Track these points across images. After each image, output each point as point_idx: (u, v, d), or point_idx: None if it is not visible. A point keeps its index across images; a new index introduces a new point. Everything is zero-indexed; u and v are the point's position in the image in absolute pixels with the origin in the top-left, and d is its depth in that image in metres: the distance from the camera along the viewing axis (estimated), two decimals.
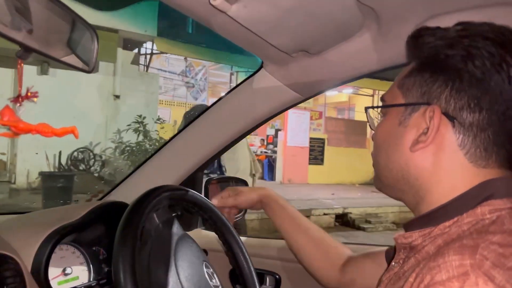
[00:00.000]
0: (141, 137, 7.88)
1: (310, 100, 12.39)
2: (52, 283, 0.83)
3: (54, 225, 0.85)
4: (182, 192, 0.84)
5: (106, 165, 8.30)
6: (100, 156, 8.24)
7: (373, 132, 0.68)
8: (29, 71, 7.64)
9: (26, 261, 0.80)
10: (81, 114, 8.01)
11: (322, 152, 12.12)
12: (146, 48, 9.24)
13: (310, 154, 11.80)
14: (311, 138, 11.82)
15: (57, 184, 6.24)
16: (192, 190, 0.87)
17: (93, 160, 8.07)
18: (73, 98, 7.99)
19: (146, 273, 0.74)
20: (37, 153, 7.50)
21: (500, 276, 0.43)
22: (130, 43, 8.47)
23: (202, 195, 0.90)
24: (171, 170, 1.19)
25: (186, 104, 13.47)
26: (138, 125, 7.83)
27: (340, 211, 7.52)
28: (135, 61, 8.63)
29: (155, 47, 8.79)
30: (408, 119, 0.58)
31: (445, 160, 0.56)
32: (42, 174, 6.82)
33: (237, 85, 1.13)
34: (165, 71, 10.08)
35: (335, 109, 16.29)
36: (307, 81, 1.01)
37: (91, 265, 0.95)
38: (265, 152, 12.46)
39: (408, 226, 0.60)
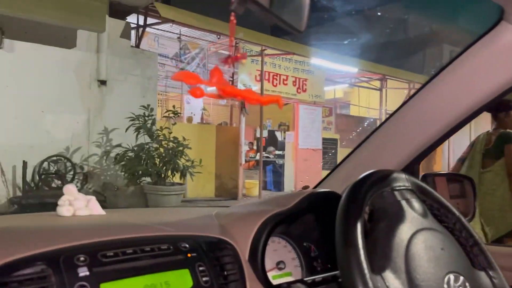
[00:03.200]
0: (142, 139, 5.53)
1: (321, 94, 10.67)
2: (268, 275, 0.80)
3: (267, 212, 0.84)
4: (409, 178, 0.78)
5: (90, 179, 5.81)
6: (81, 167, 5.73)
7: None
8: None
9: (243, 248, 0.79)
10: (52, 107, 5.51)
11: (335, 155, 10.34)
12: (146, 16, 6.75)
13: (323, 158, 9.97)
14: (323, 139, 10.00)
15: None
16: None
17: (71, 172, 5.56)
18: (40, 84, 5.45)
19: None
20: None
21: None
22: (118, 9, 6.07)
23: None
24: (383, 160, 1.03)
25: (163, 99, 11.07)
26: (138, 122, 5.49)
27: None
28: (126, 34, 6.23)
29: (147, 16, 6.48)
30: None
31: None
32: (19, 202, 4.31)
33: (465, 49, 0.90)
34: (156, 53, 7.72)
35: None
36: None
37: (303, 262, 0.90)
38: (267, 157, 10.44)
39: None
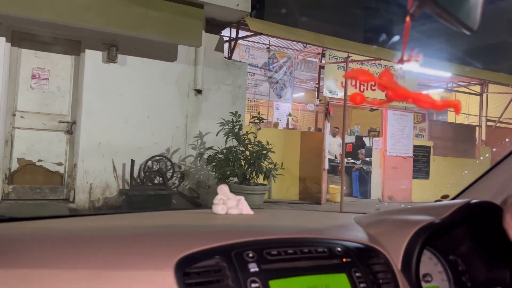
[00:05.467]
0: (231, 142, 6.03)
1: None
2: None
3: (419, 222, 0.79)
4: None
5: (186, 177, 6.49)
6: (179, 166, 6.44)
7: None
8: (93, 57, 5.97)
9: (394, 258, 0.76)
10: (156, 113, 6.27)
11: (427, 164, 9.94)
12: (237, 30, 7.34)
13: (413, 166, 9.65)
14: (414, 146, 9.68)
15: (146, 206, 4.43)
16: None
17: (171, 171, 6.27)
18: (147, 93, 6.26)
19: None
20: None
21: None
22: (213, 24, 6.69)
23: None
24: None
25: (254, 105, 11.65)
26: (228, 127, 6.00)
27: None
28: (219, 47, 6.85)
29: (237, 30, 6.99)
30: None
31: None
32: (126, 193, 5.07)
33: None
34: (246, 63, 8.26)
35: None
36: None
37: (450, 276, 0.85)
38: (353, 163, 10.41)
39: None
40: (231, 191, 4.23)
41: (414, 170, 9.64)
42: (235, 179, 5.99)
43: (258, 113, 6.51)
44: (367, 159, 10.19)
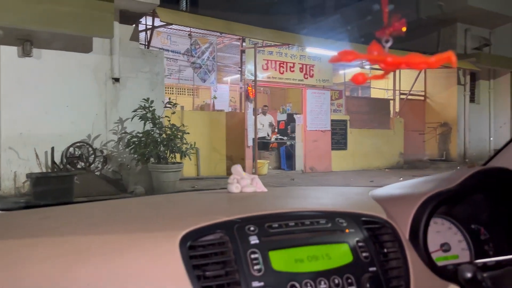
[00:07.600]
0: (148, 126, 6.58)
1: (329, 78, 11.22)
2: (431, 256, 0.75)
3: (428, 192, 0.79)
4: None
5: (109, 161, 6.99)
6: (101, 151, 6.92)
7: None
8: (8, 52, 6.27)
9: (403, 228, 0.76)
10: (75, 102, 6.69)
11: (344, 136, 10.91)
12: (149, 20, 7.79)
13: (332, 139, 10.60)
14: (332, 121, 10.61)
15: (51, 187, 4.93)
16: None
17: (93, 156, 6.75)
18: (64, 84, 6.64)
19: None
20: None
21: None
22: (128, 15, 7.10)
23: None
24: None
25: (194, 88, 12.12)
26: (144, 111, 6.53)
27: None
28: (135, 37, 7.28)
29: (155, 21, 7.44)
30: None
31: None
32: (30, 176, 5.50)
33: None
34: (168, 50, 8.72)
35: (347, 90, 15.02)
36: None
37: (471, 245, 0.84)
38: (281, 139, 11.23)
39: None
40: (149, 170, 4.96)
41: (332, 142, 10.58)
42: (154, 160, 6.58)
43: (169, 99, 7.06)
44: (293, 134, 11.04)
